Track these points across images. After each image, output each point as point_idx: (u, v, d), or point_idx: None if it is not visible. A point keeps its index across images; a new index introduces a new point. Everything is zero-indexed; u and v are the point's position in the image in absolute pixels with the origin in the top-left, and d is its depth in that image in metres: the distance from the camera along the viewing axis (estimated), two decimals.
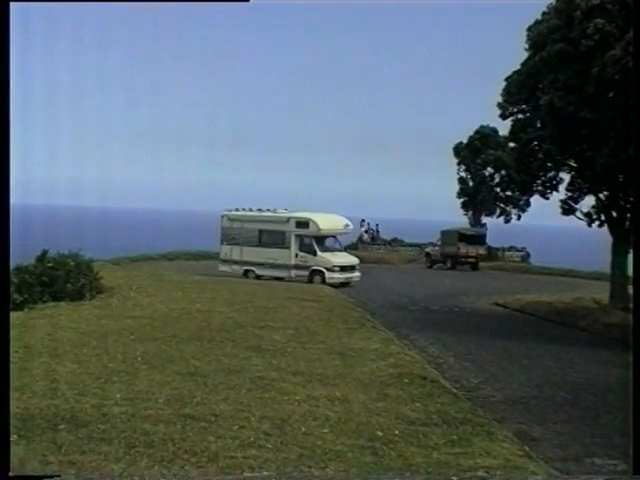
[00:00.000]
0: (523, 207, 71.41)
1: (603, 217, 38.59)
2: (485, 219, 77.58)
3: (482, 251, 66.91)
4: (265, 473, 8.82)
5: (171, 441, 9.88)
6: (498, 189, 75.03)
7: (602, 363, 22.99)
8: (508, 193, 72.62)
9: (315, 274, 46.39)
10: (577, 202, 39.49)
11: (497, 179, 75.59)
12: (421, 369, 17.36)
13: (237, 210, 51.42)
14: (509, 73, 38.30)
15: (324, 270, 46.20)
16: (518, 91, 37.40)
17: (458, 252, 64.55)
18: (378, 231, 78.32)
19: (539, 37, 33.74)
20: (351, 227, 50.82)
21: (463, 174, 77.78)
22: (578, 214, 39.55)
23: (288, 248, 47.42)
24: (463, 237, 65.59)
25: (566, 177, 39.28)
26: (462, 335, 27.38)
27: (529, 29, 35.77)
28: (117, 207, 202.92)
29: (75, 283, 25.45)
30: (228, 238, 50.90)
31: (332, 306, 28.53)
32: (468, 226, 74.40)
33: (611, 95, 29.23)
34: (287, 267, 47.50)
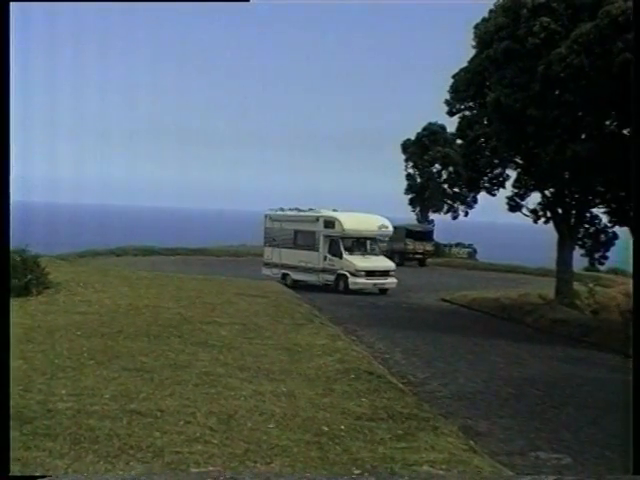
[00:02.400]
0: (470, 204, 72.20)
1: (549, 214, 38.97)
2: (432, 215, 78.09)
3: (429, 247, 67.25)
4: (211, 468, 8.80)
5: (117, 437, 9.80)
6: (446, 186, 75.68)
7: (547, 358, 23.19)
8: (455, 190, 73.45)
9: (340, 279, 42.59)
10: (523, 199, 39.88)
11: (445, 176, 76.17)
12: (368, 365, 17.39)
13: (282, 210, 47.78)
14: (456, 70, 38.54)
15: (348, 274, 42.22)
16: (465, 88, 37.65)
17: (405, 248, 64.72)
18: None
19: (486, 35, 33.97)
20: (390, 229, 45.90)
21: (411, 171, 78.16)
22: (524, 211, 39.94)
23: (318, 250, 43.74)
24: (410, 233, 65.81)
25: (512, 174, 39.63)
26: (409, 331, 27.48)
27: (476, 27, 35.99)
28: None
29: (21, 278, 25.15)
30: (269, 239, 48.06)
31: (280, 302, 28.50)
32: (416, 222, 74.81)
33: (557, 93, 29.47)
34: (316, 271, 43.96)
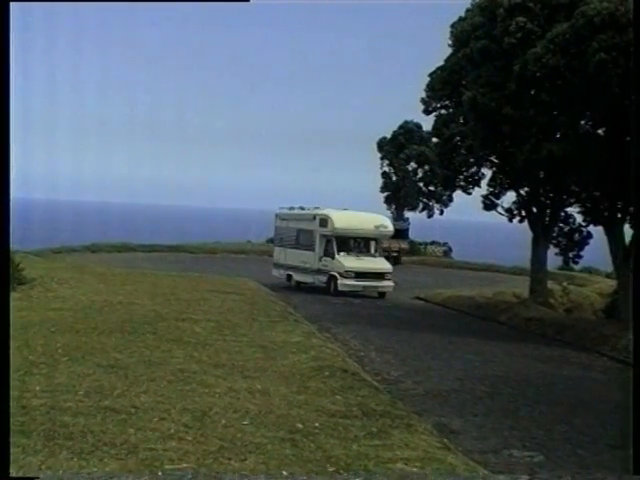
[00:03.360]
0: (446, 202, 72.34)
1: (524, 213, 39.20)
2: (408, 214, 78.17)
3: (404, 245, 67.31)
4: (184, 465, 8.79)
5: (91, 433, 9.77)
6: (421, 184, 75.82)
7: (521, 357, 23.30)
8: (431, 188, 73.66)
9: (331, 280, 40.61)
10: (498, 198, 40.10)
11: (420, 174, 76.35)
12: (342, 362, 17.40)
13: (291, 209, 45.79)
14: (433, 69, 38.70)
15: (337, 276, 40.29)
16: (441, 87, 37.86)
17: (381, 246, 64.72)
18: None
19: (463, 34, 34.09)
20: (389, 229, 43.87)
21: (386, 169, 78.24)
22: (499, 209, 40.13)
23: (314, 250, 41.89)
24: None
25: (488, 173, 39.81)
26: (383, 328, 27.54)
27: (453, 26, 36.12)
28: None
29: None
30: (278, 239, 46.68)
31: (254, 299, 28.49)
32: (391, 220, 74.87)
33: (532, 92, 29.58)
34: (312, 272, 42.15)
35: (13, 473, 8.08)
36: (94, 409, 10.90)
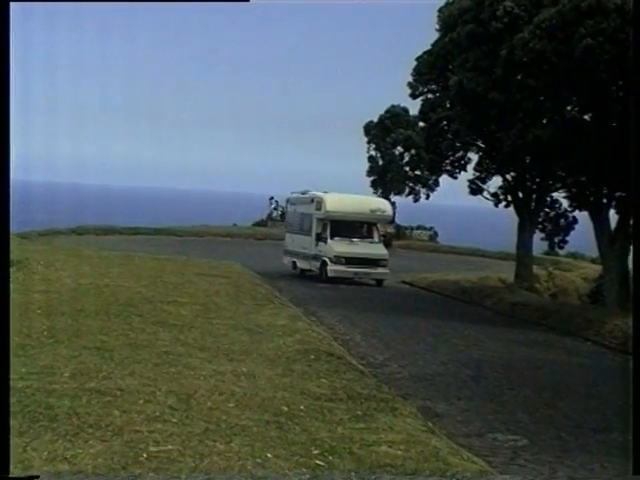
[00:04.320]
0: (432, 186, 72.43)
1: (509, 197, 39.31)
2: (394, 198, 78.11)
3: (390, 229, 67.28)
4: (169, 447, 8.81)
5: (76, 415, 9.77)
6: (407, 168, 75.71)
7: (506, 341, 23.36)
8: (417, 172, 73.65)
9: (323, 266, 38.55)
10: (484, 182, 40.22)
11: (407, 158, 76.20)
12: (328, 346, 17.43)
13: (304, 193, 42.60)
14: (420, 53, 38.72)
15: (328, 261, 38.26)
16: (428, 71, 37.89)
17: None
18: None
19: (450, 18, 34.07)
20: (386, 213, 41.23)
21: (373, 153, 78.16)
22: (485, 194, 40.23)
23: (312, 235, 39.68)
24: None
25: (474, 157, 39.91)
26: (369, 312, 27.58)
27: (440, 10, 36.10)
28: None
29: None
30: (288, 225, 44.68)
31: (240, 282, 28.47)
32: None
33: (519, 77, 29.62)
34: (309, 258, 40.07)
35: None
36: (79, 391, 10.88)
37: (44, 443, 8.57)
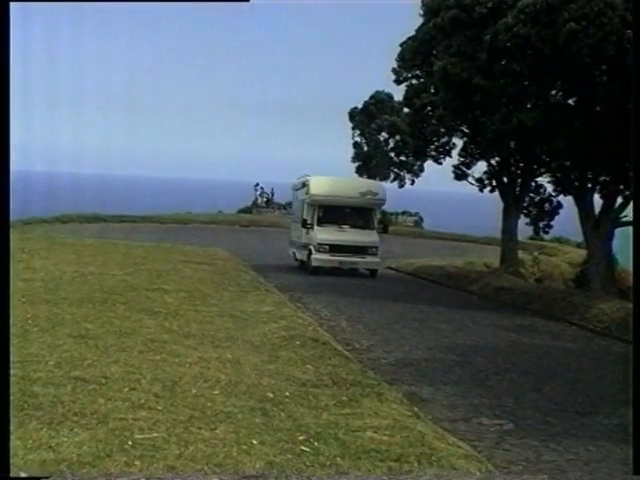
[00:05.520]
0: (417, 172, 72.34)
1: (494, 182, 39.38)
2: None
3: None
4: (155, 434, 8.81)
5: (61, 403, 9.76)
6: (392, 154, 75.63)
7: (492, 326, 23.38)
8: (402, 158, 73.50)
9: (309, 256, 35.82)
10: (469, 168, 40.32)
11: (391, 144, 76.08)
12: (313, 332, 17.45)
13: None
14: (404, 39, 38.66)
15: (312, 249, 35.59)
16: (412, 57, 37.83)
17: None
18: (273, 195, 77.94)
19: (434, 3, 34.03)
20: (379, 197, 37.68)
21: (358, 139, 78.09)
22: (470, 179, 40.30)
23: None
24: None
25: (459, 143, 39.97)
26: (355, 298, 27.56)
27: None
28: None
29: None
30: (292, 213, 42.71)
31: (225, 269, 28.50)
32: None
33: (503, 62, 29.59)
34: (299, 246, 37.77)
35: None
36: (64, 379, 10.87)
37: (28, 431, 8.55)
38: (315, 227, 35.91)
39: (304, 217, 36.57)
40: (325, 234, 35.47)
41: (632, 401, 8.14)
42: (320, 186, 36.52)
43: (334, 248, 35.15)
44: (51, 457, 7.90)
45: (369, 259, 35.86)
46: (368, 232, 36.56)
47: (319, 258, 35.28)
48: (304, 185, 37.53)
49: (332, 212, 36.40)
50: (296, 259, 38.49)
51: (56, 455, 7.96)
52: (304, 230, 36.39)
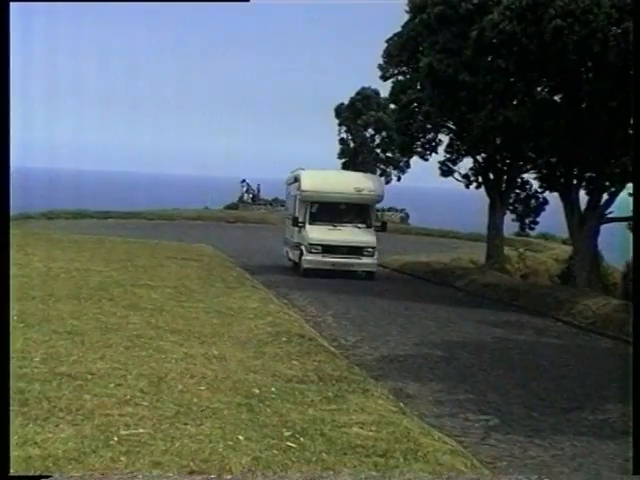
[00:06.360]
0: (403, 168, 72.42)
1: (480, 179, 39.40)
2: None
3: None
4: (140, 430, 8.80)
5: (46, 399, 9.74)
6: (379, 150, 75.70)
7: (478, 322, 23.40)
8: (388, 154, 73.65)
9: (300, 256, 33.45)
10: (455, 164, 40.26)
11: (378, 140, 76.13)
12: (299, 328, 17.45)
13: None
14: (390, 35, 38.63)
15: (304, 250, 33.17)
16: (398, 53, 37.78)
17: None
18: (259, 191, 77.81)
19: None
20: (375, 192, 34.83)
21: (344, 135, 78.07)
22: (456, 176, 40.28)
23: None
24: None
25: (445, 139, 39.90)
26: (341, 294, 27.55)
27: None
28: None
29: None
30: (285, 209, 40.33)
31: (212, 265, 28.46)
32: None
33: (489, 59, 29.58)
34: (292, 245, 35.29)
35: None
36: (50, 375, 10.85)
37: (14, 427, 8.52)
38: (307, 225, 33.45)
39: (295, 214, 34.33)
40: (317, 233, 33.03)
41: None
42: (312, 181, 34.26)
43: (327, 249, 32.80)
44: (37, 453, 7.88)
45: (365, 260, 33.40)
46: (365, 231, 34.04)
47: (311, 259, 32.88)
48: (296, 180, 35.42)
49: (325, 209, 34.02)
50: (289, 259, 36.38)
51: (42, 451, 7.94)
52: (296, 229, 34.01)
